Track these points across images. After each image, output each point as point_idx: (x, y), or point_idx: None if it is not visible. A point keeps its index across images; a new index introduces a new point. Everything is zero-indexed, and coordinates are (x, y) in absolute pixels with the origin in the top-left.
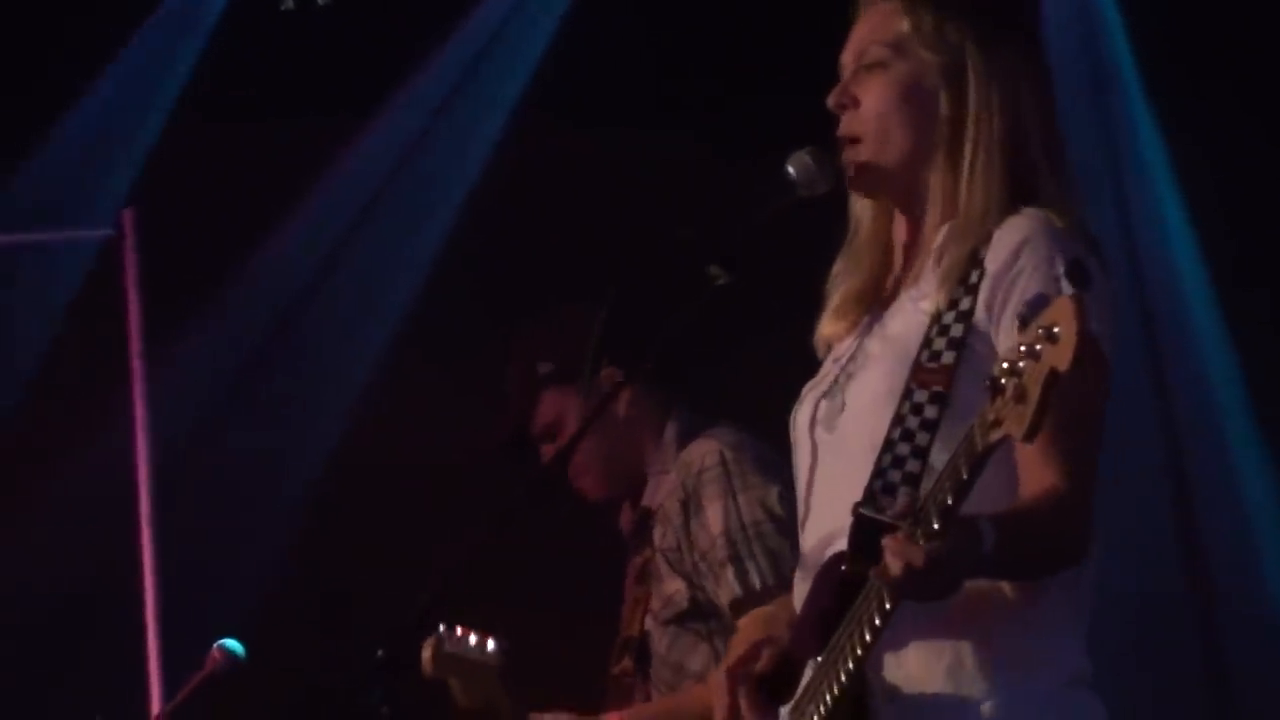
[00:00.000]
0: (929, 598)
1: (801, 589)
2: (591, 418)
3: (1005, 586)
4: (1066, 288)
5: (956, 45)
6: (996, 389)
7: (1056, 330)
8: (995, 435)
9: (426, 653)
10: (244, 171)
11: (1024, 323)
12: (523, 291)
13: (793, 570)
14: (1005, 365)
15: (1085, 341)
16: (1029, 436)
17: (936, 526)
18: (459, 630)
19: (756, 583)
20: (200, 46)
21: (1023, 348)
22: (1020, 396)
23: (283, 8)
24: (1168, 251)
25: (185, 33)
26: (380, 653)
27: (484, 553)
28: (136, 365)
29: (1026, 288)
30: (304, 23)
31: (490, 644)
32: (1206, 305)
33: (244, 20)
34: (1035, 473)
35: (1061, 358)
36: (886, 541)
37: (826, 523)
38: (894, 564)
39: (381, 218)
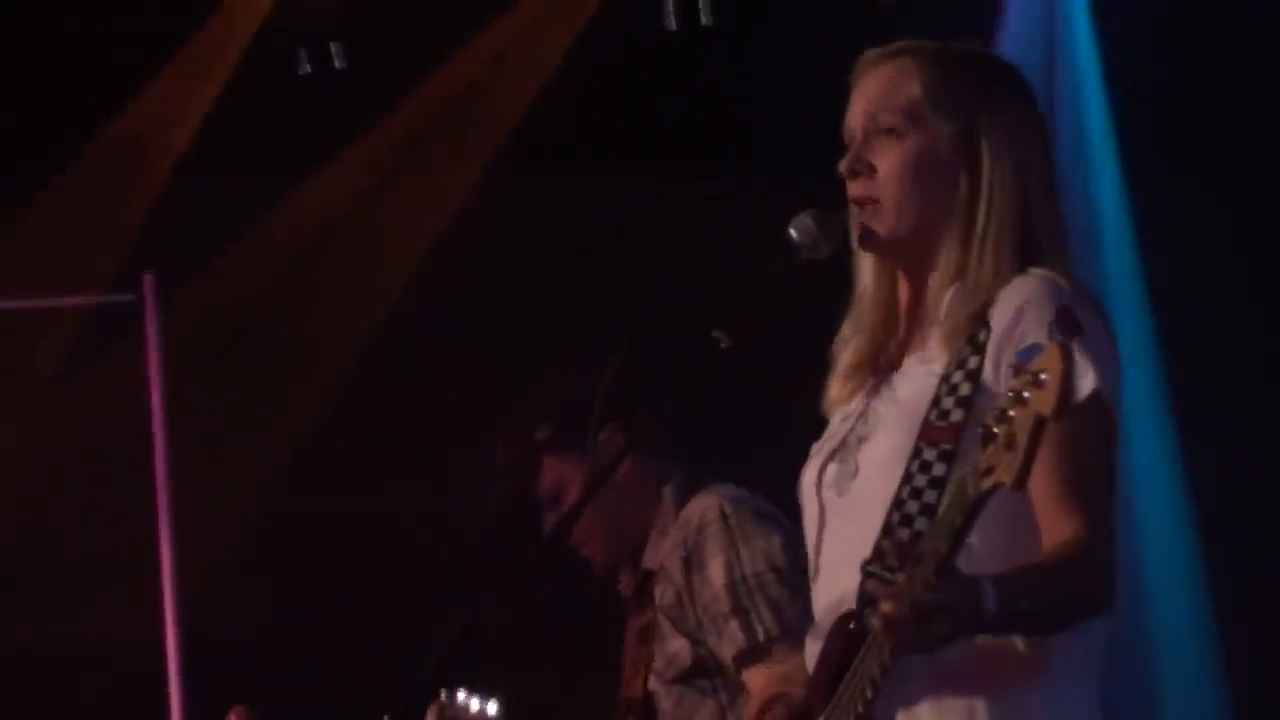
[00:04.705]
0: (922, 648)
1: (814, 647)
2: (595, 484)
3: (1019, 643)
4: (1056, 334)
5: (969, 112)
6: (988, 436)
7: (1043, 376)
8: (987, 483)
9: (431, 718)
10: (263, 231)
11: (1016, 371)
12: (525, 350)
13: (796, 620)
14: (996, 413)
15: (1073, 388)
16: (1018, 483)
17: (931, 576)
18: (461, 695)
19: (760, 634)
20: (213, 109)
21: (1012, 394)
22: (1010, 443)
23: (300, 72)
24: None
25: (195, 95)
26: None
27: (486, 619)
28: (158, 429)
29: (1025, 342)
30: (321, 85)
31: (492, 708)
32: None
33: (259, 83)
34: (1053, 524)
35: (1047, 403)
36: (878, 589)
37: (838, 583)
38: (887, 613)
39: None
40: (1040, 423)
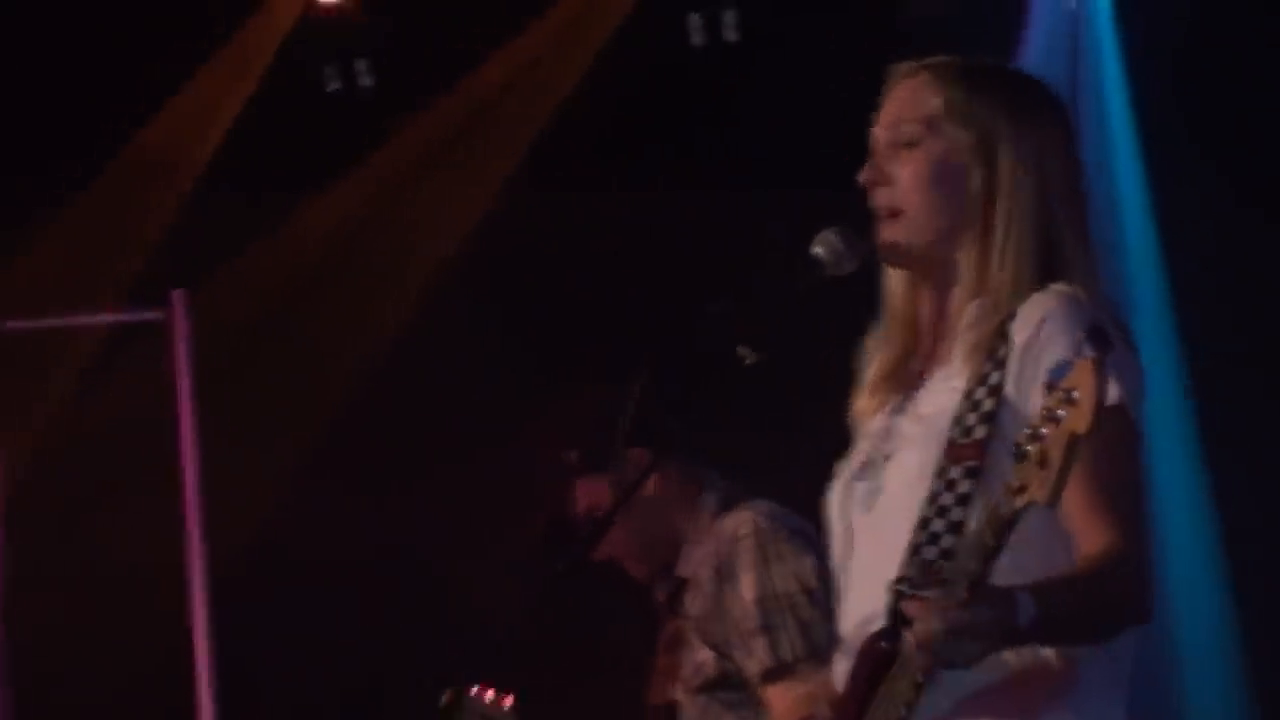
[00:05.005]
0: (959, 665)
1: (842, 668)
2: (621, 499)
3: (1051, 661)
4: (1087, 351)
5: (988, 122)
6: (1020, 455)
7: (1076, 394)
8: (1020, 501)
9: (445, 698)
10: (283, 244)
11: (1048, 389)
12: (548, 362)
13: (823, 642)
14: (1028, 431)
15: (1104, 404)
16: (1051, 500)
17: (964, 594)
18: (478, 688)
19: (788, 654)
20: (238, 124)
21: (1044, 412)
22: (1043, 461)
23: (329, 89)
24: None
25: (222, 113)
26: None
27: (522, 628)
28: (187, 444)
29: (1052, 357)
30: (349, 103)
31: (508, 704)
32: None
33: (290, 101)
34: (1089, 535)
35: (1080, 420)
36: (912, 608)
37: (866, 603)
38: (921, 631)
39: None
40: (1075, 440)
